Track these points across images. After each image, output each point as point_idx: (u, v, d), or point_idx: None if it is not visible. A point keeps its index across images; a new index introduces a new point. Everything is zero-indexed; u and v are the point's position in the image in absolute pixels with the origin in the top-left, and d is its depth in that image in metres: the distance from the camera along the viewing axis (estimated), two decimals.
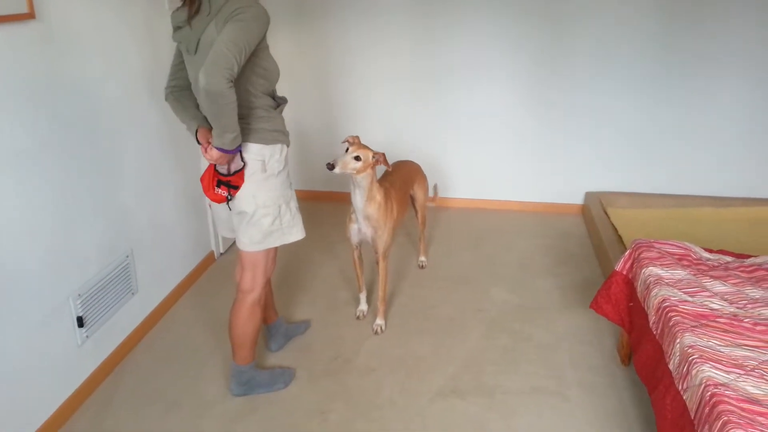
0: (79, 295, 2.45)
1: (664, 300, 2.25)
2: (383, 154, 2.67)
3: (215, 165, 2.19)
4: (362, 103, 4.37)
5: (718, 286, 2.35)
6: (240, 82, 2.07)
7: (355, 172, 2.61)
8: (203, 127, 2.19)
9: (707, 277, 2.41)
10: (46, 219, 2.27)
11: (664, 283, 2.34)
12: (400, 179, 3.15)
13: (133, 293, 2.83)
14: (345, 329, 3.03)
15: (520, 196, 4.49)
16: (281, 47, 4.27)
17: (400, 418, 2.44)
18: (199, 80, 1.88)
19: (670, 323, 2.13)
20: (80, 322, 2.46)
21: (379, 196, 2.77)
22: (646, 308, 2.37)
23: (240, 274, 2.40)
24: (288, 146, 2.31)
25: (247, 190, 2.20)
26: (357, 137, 2.73)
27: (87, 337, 2.52)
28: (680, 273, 2.42)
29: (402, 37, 4.15)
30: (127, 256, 2.77)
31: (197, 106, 2.24)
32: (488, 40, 4.08)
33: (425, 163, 4.42)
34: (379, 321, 3.02)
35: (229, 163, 2.16)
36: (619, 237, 3.75)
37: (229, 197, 2.21)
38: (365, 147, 2.65)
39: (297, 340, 2.94)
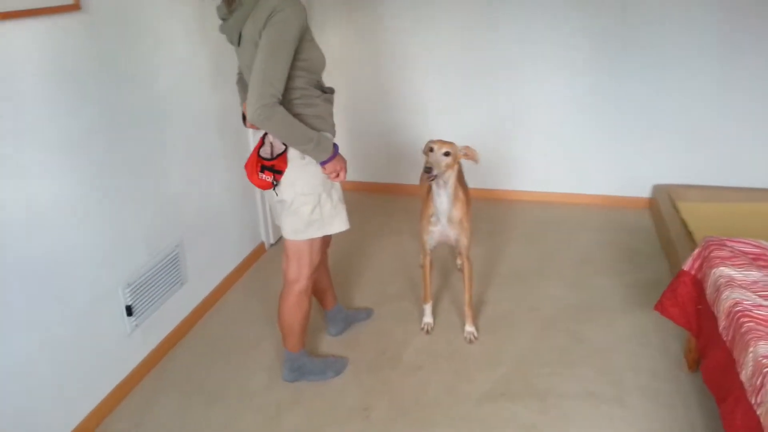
0: (129, 284, 2.48)
1: (735, 304, 2.05)
2: (472, 149, 2.55)
3: (258, 149, 2.16)
4: (418, 92, 4.26)
5: None
6: (287, 76, 2.04)
7: (446, 169, 2.47)
8: None
9: None
10: (95, 207, 2.29)
11: (737, 285, 2.14)
12: (461, 172, 3.00)
13: (182, 283, 2.85)
14: (393, 324, 2.96)
15: (583, 189, 4.27)
16: (330, 36, 4.21)
17: (444, 419, 2.35)
18: (247, 113, 1.97)
19: (743, 330, 1.94)
20: (129, 311, 2.49)
21: (462, 195, 2.64)
22: (715, 312, 2.18)
23: (286, 264, 2.37)
24: (332, 134, 2.25)
25: (287, 177, 2.17)
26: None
27: (136, 326, 2.54)
28: (755, 274, 2.20)
29: (461, 25, 4.01)
30: (177, 246, 2.78)
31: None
32: (549, 27, 3.88)
33: (484, 154, 4.28)
34: (470, 328, 2.83)
35: (270, 145, 2.15)
36: (689, 233, 3.50)
37: (274, 182, 2.17)
38: (449, 141, 2.51)
39: (346, 333, 2.88)
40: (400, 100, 4.31)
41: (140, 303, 2.56)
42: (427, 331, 2.89)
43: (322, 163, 2.14)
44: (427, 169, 2.39)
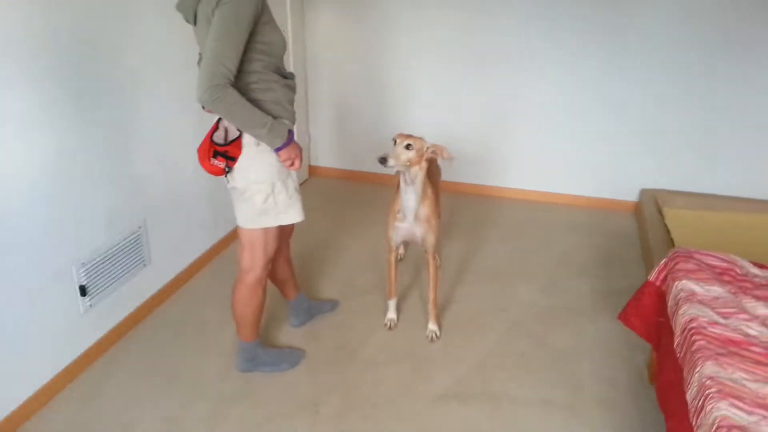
0: (83, 263, 2.45)
1: (691, 320, 1.99)
2: (441, 147, 2.46)
3: (211, 134, 2.11)
4: (406, 83, 4.18)
5: (761, 309, 2.07)
6: (243, 59, 1.99)
7: (409, 164, 2.41)
8: None
9: (750, 297, 2.13)
10: (51, 183, 2.26)
11: (696, 301, 2.08)
12: (433, 168, 2.92)
13: (145, 264, 2.81)
14: (357, 318, 2.92)
15: (571, 190, 4.19)
16: (322, 19, 4.14)
17: (394, 418, 2.31)
18: (197, 94, 1.91)
19: (693, 347, 1.88)
20: (83, 290, 2.46)
21: (430, 192, 2.57)
22: (673, 326, 2.12)
23: (240, 253, 2.33)
24: (292, 121, 2.19)
25: (240, 164, 2.12)
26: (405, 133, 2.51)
27: (90, 306, 2.52)
28: (717, 290, 2.14)
29: (453, 17, 3.92)
30: (140, 227, 2.74)
31: None
32: (541, 26, 3.79)
33: (472, 150, 4.22)
34: (432, 326, 2.78)
35: (225, 130, 2.10)
36: (671, 240, 3.43)
37: (226, 169, 2.12)
38: (416, 136, 2.45)
39: (308, 324, 2.85)
40: (388, 90, 4.24)
41: (96, 283, 2.53)
42: (390, 327, 2.84)
43: (276, 150, 2.08)
44: (381, 159, 2.34)
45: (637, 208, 4.02)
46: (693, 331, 1.94)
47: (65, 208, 2.33)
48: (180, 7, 2.05)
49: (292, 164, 2.15)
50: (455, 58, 4.03)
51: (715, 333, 1.92)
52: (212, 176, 2.20)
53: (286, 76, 2.20)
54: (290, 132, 2.12)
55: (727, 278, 2.25)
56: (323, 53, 4.25)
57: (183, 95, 2.89)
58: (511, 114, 4.08)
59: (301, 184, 4.32)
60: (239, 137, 2.09)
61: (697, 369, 1.79)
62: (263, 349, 2.54)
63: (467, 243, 3.62)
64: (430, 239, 2.64)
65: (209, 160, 2.11)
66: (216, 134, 2.11)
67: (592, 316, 2.95)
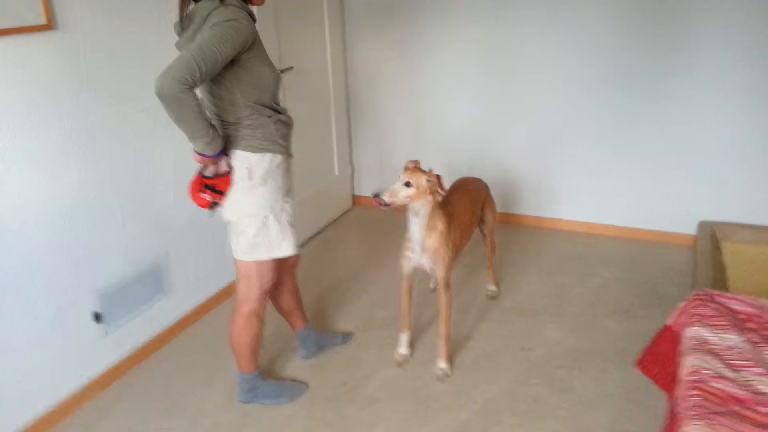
0: (99, 292, 2.56)
1: (693, 371, 1.78)
2: (438, 177, 2.39)
3: (201, 169, 2.16)
4: (449, 114, 4.11)
5: None
6: (225, 88, 2.06)
7: (409, 201, 2.37)
8: None
9: None
10: (71, 215, 2.40)
11: (704, 350, 1.86)
12: (466, 200, 2.83)
13: (164, 295, 2.91)
14: (368, 352, 2.85)
15: (618, 220, 3.93)
16: (363, 51, 4.18)
17: None
18: (157, 82, 1.83)
19: (688, 403, 1.68)
20: (98, 317, 2.57)
21: (441, 225, 2.49)
22: (680, 377, 1.90)
23: (237, 284, 2.35)
24: (283, 156, 2.21)
25: (232, 197, 2.16)
26: (417, 162, 2.46)
27: (106, 333, 2.62)
28: (734, 339, 1.90)
29: (496, 45, 3.84)
30: (159, 258, 2.84)
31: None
32: (595, 49, 3.61)
33: (510, 179, 4.08)
34: (442, 365, 2.66)
35: (215, 166, 2.12)
36: (726, 279, 3.13)
37: (213, 203, 2.15)
38: (419, 171, 2.39)
39: (318, 356, 2.82)
40: (430, 122, 4.18)
41: (112, 311, 2.63)
42: (400, 364, 2.76)
43: (201, 154, 2.03)
44: (375, 195, 2.29)
45: (695, 242, 3.69)
46: (692, 384, 1.73)
47: (83, 239, 2.46)
48: (178, 47, 2.08)
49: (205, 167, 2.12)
50: (498, 88, 3.92)
51: (717, 388, 1.70)
52: (202, 208, 2.23)
53: (280, 111, 2.21)
54: (222, 152, 2.08)
55: (751, 325, 2.00)
56: (365, 84, 4.28)
57: None
58: (555, 142, 3.90)
59: (343, 214, 4.38)
60: (229, 172, 2.13)
61: (683, 429, 1.59)
62: (263, 381, 2.53)
63: (502, 276, 3.46)
64: (439, 272, 2.55)
65: (198, 193, 2.16)
66: (207, 169, 2.15)
67: (621, 360, 2.71)
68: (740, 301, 2.09)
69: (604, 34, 3.56)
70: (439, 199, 2.43)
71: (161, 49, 2.73)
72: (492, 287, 3.29)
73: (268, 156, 2.15)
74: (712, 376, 1.74)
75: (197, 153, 2.04)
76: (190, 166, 2.90)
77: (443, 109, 4.13)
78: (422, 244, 2.50)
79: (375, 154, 4.44)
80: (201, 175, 2.15)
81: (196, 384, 2.68)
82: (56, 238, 2.36)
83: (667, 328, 2.19)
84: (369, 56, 4.20)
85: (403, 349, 2.78)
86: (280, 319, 2.79)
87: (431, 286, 3.31)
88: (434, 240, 2.49)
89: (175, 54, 1.94)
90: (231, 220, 2.22)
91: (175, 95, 1.82)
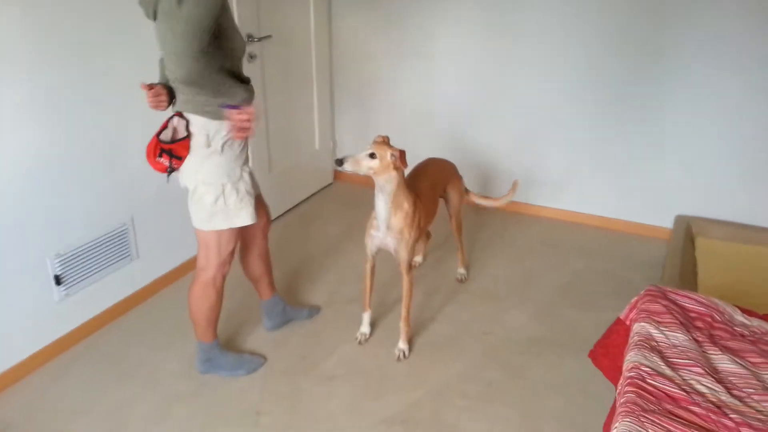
0: (59, 254, 2.55)
1: (633, 368, 1.79)
2: (401, 152, 2.37)
3: (158, 132, 2.13)
4: (433, 92, 4.07)
5: (725, 363, 1.82)
6: (196, 59, 1.99)
7: (372, 173, 2.36)
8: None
9: (718, 348, 1.88)
10: (30, 177, 2.39)
11: (648, 347, 1.86)
12: (429, 180, 2.83)
13: (129, 261, 2.90)
14: (331, 327, 2.86)
15: (598, 210, 3.91)
16: (348, 23, 4.11)
17: None
18: (173, 74, 2.03)
19: (623, 399, 1.68)
20: (57, 280, 2.57)
21: (407, 204, 2.48)
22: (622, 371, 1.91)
23: (197, 252, 2.35)
24: None
25: (190, 164, 2.16)
26: (386, 137, 2.46)
27: (66, 295, 2.63)
28: (680, 337, 1.90)
29: (480, 23, 3.78)
30: (125, 224, 2.83)
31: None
32: (576, 38, 3.56)
33: (493, 164, 4.04)
34: (402, 345, 2.67)
35: (172, 131, 2.11)
36: (695, 274, 3.12)
37: (170, 168, 2.14)
38: (386, 145, 2.39)
39: (282, 329, 2.82)
40: (415, 99, 4.14)
41: (72, 274, 2.63)
42: (360, 342, 2.77)
43: (229, 107, 2.07)
44: (338, 161, 2.31)
45: (670, 236, 3.68)
46: (629, 380, 1.74)
47: (44, 201, 2.45)
48: (141, 2, 2.07)
49: (245, 129, 2.10)
50: (488, 71, 3.87)
51: (653, 385, 1.70)
52: (159, 172, 2.19)
53: (245, 80, 2.19)
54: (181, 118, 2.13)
55: (699, 324, 2.00)
56: (348, 59, 4.22)
57: None
58: (541, 127, 3.86)
59: (323, 189, 4.36)
60: (187, 137, 2.11)
61: (615, 425, 1.59)
62: (221, 352, 2.54)
63: (473, 260, 3.46)
64: (402, 253, 2.55)
65: (155, 157, 2.13)
66: (164, 132, 2.13)
67: (579, 350, 2.70)
68: (692, 299, 2.09)
69: (595, 28, 3.51)
70: (402, 167, 2.41)
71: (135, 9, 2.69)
72: (461, 270, 3.29)
73: (227, 124, 2.13)
74: (649, 374, 1.75)
75: (229, 107, 2.08)
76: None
77: (431, 88, 4.08)
78: (387, 223, 2.49)
79: (358, 129, 4.40)
80: (158, 139, 2.12)
81: (155, 352, 2.69)
82: (14, 198, 2.35)
83: (619, 322, 2.19)
84: (355, 28, 4.13)
85: (364, 328, 2.79)
86: (246, 290, 2.79)
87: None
88: (399, 220, 2.48)
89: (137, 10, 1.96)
90: (188, 188, 2.21)
91: (202, 74, 1.96)
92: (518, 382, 2.53)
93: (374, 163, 2.33)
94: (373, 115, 4.33)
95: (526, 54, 3.74)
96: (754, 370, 1.80)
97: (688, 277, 3.06)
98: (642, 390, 1.69)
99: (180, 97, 2.13)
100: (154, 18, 2.05)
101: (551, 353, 2.71)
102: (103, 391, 2.45)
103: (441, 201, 3.00)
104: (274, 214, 3.81)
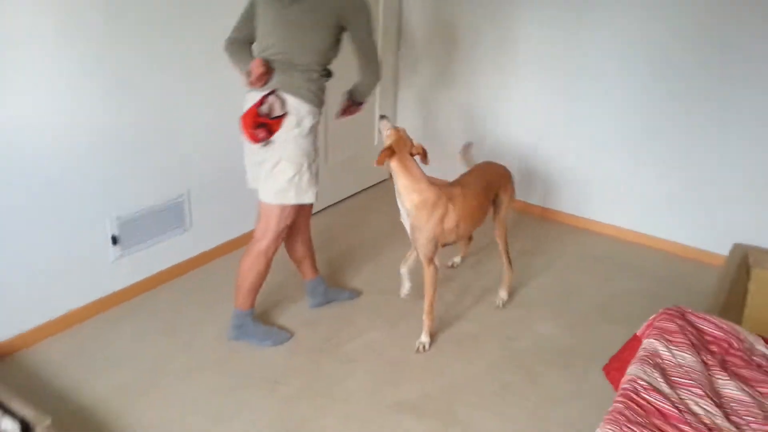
0: (118, 216, 2.79)
1: (630, 380, 1.78)
2: (396, 141, 2.54)
3: (258, 106, 2.29)
4: (497, 96, 4.09)
5: (730, 388, 1.78)
6: (319, 49, 2.34)
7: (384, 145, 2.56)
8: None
9: (726, 374, 1.84)
10: (97, 142, 2.62)
11: (651, 363, 1.85)
12: (480, 183, 2.82)
13: (184, 230, 3.12)
14: (360, 315, 2.96)
15: (656, 231, 3.80)
16: (419, 19, 4.20)
17: (340, 413, 2.35)
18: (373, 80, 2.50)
19: (611, 408, 1.68)
20: (114, 240, 2.81)
21: (416, 197, 2.54)
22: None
23: (257, 222, 2.54)
24: (320, 114, 2.45)
25: (278, 140, 2.35)
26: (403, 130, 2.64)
27: (122, 255, 2.86)
28: (687, 357, 1.87)
29: (550, 35, 3.77)
30: (181, 195, 3.05)
31: (250, 55, 2.45)
32: (641, 57, 3.49)
33: (553, 174, 4.01)
34: (424, 338, 2.72)
35: (270, 106, 2.30)
36: (743, 305, 3.00)
37: (264, 142, 2.33)
38: (400, 133, 2.57)
39: (311, 311, 2.96)
40: (480, 105, 4.17)
41: (129, 236, 2.86)
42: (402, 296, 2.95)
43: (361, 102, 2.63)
44: (382, 115, 2.69)
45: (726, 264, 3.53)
46: (623, 392, 1.74)
47: (108, 165, 2.69)
48: None
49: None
50: (559, 83, 3.85)
51: (646, 400, 1.70)
52: (252, 143, 2.35)
53: (330, 75, 2.48)
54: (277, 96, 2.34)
55: (714, 348, 1.96)
56: (415, 60, 4.31)
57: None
58: (606, 143, 3.80)
59: (377, 184, 4.47)
60: (284, 115, 2.31)
61: (597, 431, 1.60)
62: (253, 322, 2.69)
63: (519, 267, 3.45)
64: (416, 242, 2.63)
65: (252, 128, 2.29)
66: (262, 107, 2.29)
67: (604, 363, 2.68)
68: (712, 323, 2.04)
69: (672, 47, 3.42)
70: (398, 164, 2.54)
71: None
72: (502, 293, 3.10)
73: (315, 110, 2.38)
74: (645, 388, 1.74)
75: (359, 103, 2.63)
76: (221, 107, 3.07)
77: (498, 93, 4.09)
78: (404, 209, 2.61)
79: (420, 131, 4.46)
80: (257, 112, 2.28)
81: (195, 317, 2.88)
82: (83, 161, 2.59)
83: (635, 338, 2.17)
84: (425, 29, 4.22)
85: (405, 288, 2.97)
86: (287, 273, 2.94)
87: (450, 262, 3.36)
88: (413, 209, 2.56)
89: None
90: (268, 161, 2.39)
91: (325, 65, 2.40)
92: (535, 388, 2.54)
93: (383, 134, 2.58)
94: (435, 117, 4.39)
95: (596, 67, 3.70)
96: (761, 399, 1.75)
97: (734, 307, 2.94)
98: (632, 402, 1.68)
99: (279, 77, 2.33)
100: (290, 3, 2.29)
101: (575, 365, 2.69)
102: (143, 345, 2.67)
103: None
104: (326, 204, 4.00)
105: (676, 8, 3.35)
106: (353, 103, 2.64)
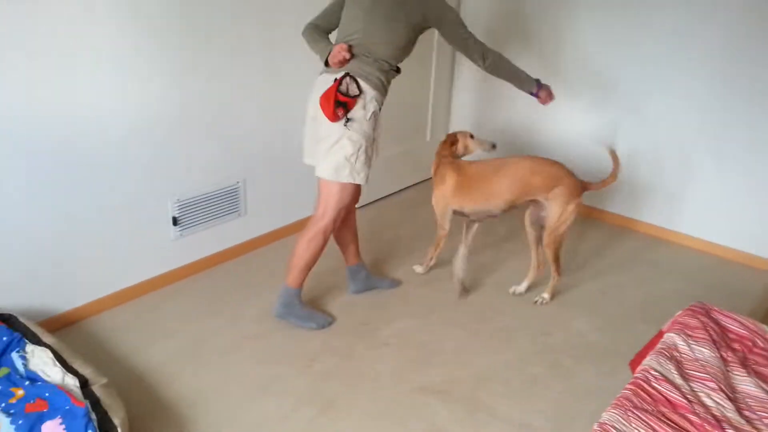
0: (178, 199, 3.01)
1: (642, 370, 1.82)
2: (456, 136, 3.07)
3: (338, 86, 2.45)
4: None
5: (747, 384, 1.79)
6: (397, 44, 2.52)
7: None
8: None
9: (744, 370, 1.84)
10: (160, 128, 2.83)
11: (667, 355, 1.88)
12: (511, 174, 2.90)
13: (240, 215, 3.32)
14: (397, 303, 3.07)
15: (709, 235, 3.73)
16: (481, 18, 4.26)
17: (369, 391, 2.47)
18: (373, 50, 2.51)
19: (619, 395, 1.73)
20: (174, 221, 3.03)
21: (438, 180, 3.07)
22: None
23: (317, 202, 2.69)
24: (383, 104, 2.60)
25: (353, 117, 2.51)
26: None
27: (181, 235, 3.09)
28: (705, 352, 1.89)
29: (612, 39, 3.77)
30: (238, 182, 3.25)
31: (329, 42, 2.62)
32: (699, 59, 3.45)
33: (605, 167, 3.98)
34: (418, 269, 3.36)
35: (348, 86, 2.46)
36: None
37: (345, 118, 2.49)
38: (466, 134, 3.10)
39: (350, 297, 3.09)
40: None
41: (188, 218, 3.08)
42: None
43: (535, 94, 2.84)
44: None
45: None
46: (633, 380, 1.77)
47: (169, 152, 2.91)
48: None
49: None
50: (629, 86, 3.84)
51: (655, 389, 1.73)
52: (330, 121, 2.49)
53: (399, 70, 2.65)
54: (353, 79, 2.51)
55: (736, 346, 1.96)
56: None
57: (296, 61, 3.24)
58: (664, 145, 3.76)
59: (427, 180, 4.55)
60: (359, 95, 2.47)
61: (603, 414, 1.65)
62: (300, 302, 2.83)
63: (566, 268, 3.46)
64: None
65: (333, 107, 2.45)
66: (341, 87, 2.45)
67: None
68: (738, 321, 2.04)
69: (727, 53, 3.39)
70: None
71: None
72: (545, 295, 3.13)
73: (380, 97, 2.55)
74: (657, 378, 1.77)
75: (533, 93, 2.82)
76: (280, 98, 3.26)
77: (558, 85, 4.09)
78: None
79: (474, 128, 4.53)
80: (338, 92, 2.45)
81: (242, 297, 3.06)
82: (149, 147, 2.81)
83: (660, 333, 2.18)
84: (486, 24, 4.28)
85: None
86: (332, 258, 3.09)
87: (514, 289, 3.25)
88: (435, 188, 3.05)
89: None
90: (331, 137, 2.53)
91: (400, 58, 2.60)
92: (563, 382, 2.58)
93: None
94: (490, 115, 4.44)
95: (656, 63, 3.67)
96: None
97: None
98: (641, 390, 1.72)
99: (355, 62, 2.50)
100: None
101: (606, 362, 2.70)
102: (192, 320, 2.87)
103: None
104: (375, 196, 4.13)
105: None
106: (533, 95, 2.83)
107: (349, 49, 2.49)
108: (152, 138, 2.83)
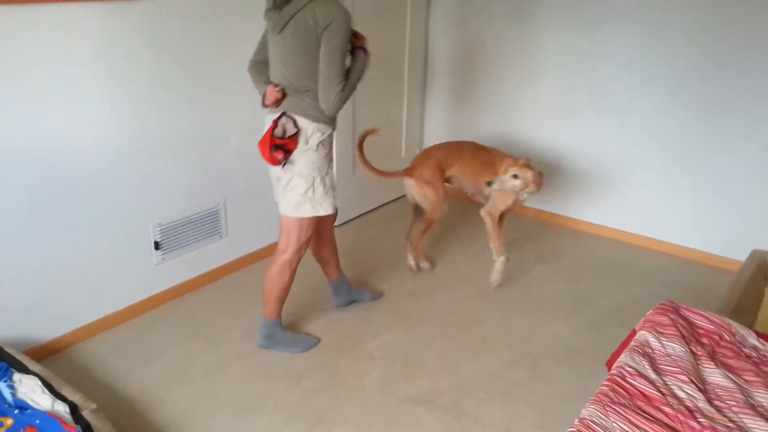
0: (160, 223, 3.05)
1: (617, 367, 1.91)
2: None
3: (272, 129, 2.48)
4: (519, 103, 4.25)
5: (716, 376, 1.89)
6: (311, 72, 2.44)
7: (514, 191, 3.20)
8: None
9: (713, 363, 1.94)
10: (140, 155, 2.88)
11: (640, 352, 1.98)
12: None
13: (221, 236, 3.37)
14: (381, 316, 3.14)
15: (674, 238, 3.88)
16: (444, 29, 4.40)
17: (357, 404, 2.52)
18: (325, 108, 2.46)
19: (597, 392, 1.81)
20: (156, 245, 3.07)
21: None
22: None
23: (279, 235, 2.73)
24: (332, 129, 2.59)
25: (290, 157, 2.52)
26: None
27: (163, 259, 3.12)
28: (676, 347, 1.99)
29: (569, 44, 3.93)
30: (218, 204, 3.30)
31: (268, 78, 2.60)
32: (659, 60, 3.62)
33: (575, 175, 4.12)
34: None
35: (283, 127, 2.48)
36: (756, 310, 3.05)
37: (284, 161, 2.52)
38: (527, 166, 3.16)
39: (333, 313, 3.15)
40: (508, 111, 4.33)
41: (169, 242, 3.12)
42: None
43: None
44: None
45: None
46: (609, 378, 1.86)
47: (149, 177, 2.95)
48: (270, 17, 2.47)
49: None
50: (580, 87, 4.00)
51: (631, 384, 1.82)
52: (273, 165, 2.55)
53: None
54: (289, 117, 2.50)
55: (704, 341, 2.07)
56: (443, 70, 4.51)
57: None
58: (624, 148, 3.92)
59: (404, 196, 4.64)
60: (297, 133, 2.49)
61: (582, 411, 1.74)
62: (282, 330, 2.86)
63: (534, 273, 3.59)
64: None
65: (270, 152, 2.48)
66: (276, 130, 2.49)
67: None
68: (705, 317, 2.15)
69: (695, 54, 3.54)
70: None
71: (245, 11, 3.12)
72: (425, 263, 3.63)
73: (322, 126, 2.53)
74: (632, 374, 1.86)
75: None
76: (253, 123, 3.31)
77: (522, 101, 4.25)
78: None
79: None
80: (272, 136, 2.48)
81: (226, 318, 3.09)
82: (129, 173, 2.85)
83: (633, 333, 2.28)
84: (452, 41, 4.41)
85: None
86: (311, 277, 3.14)
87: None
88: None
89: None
90: (282, 178, 2.58)
91: (341, 105, 2.48)
92: (543, 386, 2.66)
93: (517, 182, 3.13)
94: (462, 128, 4.56)
95: (615, 73, 3.83)
96: (745, 387, 1.85)
97: (746, 310, 2.99)
98: (618, 386, 1.81)
99: (289, 99, 2.50)
100: (279, 32, 2.44)
101: (584, 364, 2.80)
102: (178, 342, 2.90)
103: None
104: (353, 214, 4.21)
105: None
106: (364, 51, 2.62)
107: (281, 89, 2.48)
108: (133, 164, 2.87)
